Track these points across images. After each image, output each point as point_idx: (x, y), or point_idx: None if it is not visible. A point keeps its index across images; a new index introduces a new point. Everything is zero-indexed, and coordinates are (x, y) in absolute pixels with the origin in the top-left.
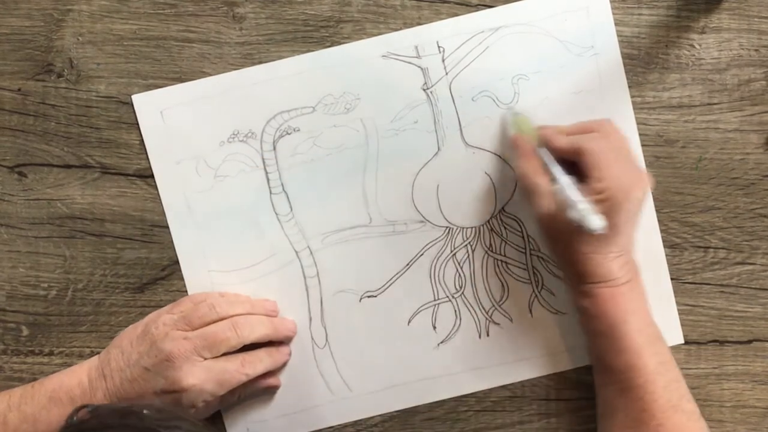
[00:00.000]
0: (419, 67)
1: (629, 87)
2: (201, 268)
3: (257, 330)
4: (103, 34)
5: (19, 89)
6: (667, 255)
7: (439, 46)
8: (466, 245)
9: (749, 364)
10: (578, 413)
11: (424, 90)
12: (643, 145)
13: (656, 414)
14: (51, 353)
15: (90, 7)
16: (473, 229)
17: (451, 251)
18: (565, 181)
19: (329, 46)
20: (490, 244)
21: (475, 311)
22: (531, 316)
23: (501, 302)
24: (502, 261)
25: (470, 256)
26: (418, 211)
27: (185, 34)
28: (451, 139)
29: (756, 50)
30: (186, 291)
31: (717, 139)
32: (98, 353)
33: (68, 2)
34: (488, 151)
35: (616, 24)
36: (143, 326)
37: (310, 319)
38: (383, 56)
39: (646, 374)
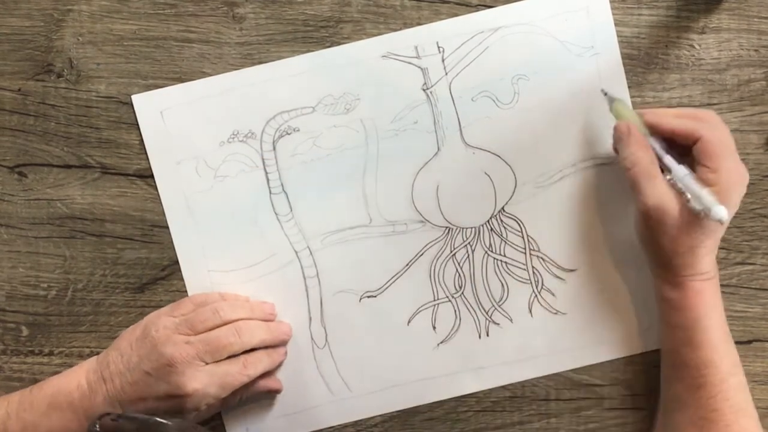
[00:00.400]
0: (419, 67)
1: (629, 87)
2: (201, 268)
3: (257, 335)
4: (103, 34)
5: (19, 89)
6: None
7: (438, 47)
8: (465, 245)
9: (749, 364)
10: (578, 413)
11: (423, 90)
12: None
13: (727, 414)
14: (51, 353)
15: (90, 7)
16: (473, 229)
17: (451, 251)
18: (683, 171)
19: (329, 46)
20: (490, 244)
21: (474, 311)
22: (531, 317)
23: (501, 302)
24: (501, 261)
25: (470, 256)
26: (418, 211)
27: (185, 34)
28: (450, 140)
29: (756, 50)
30: (186, 291)
31: None
32: (98, 354)
33: (68, 2)
34: (488, 151)
35: (616, 24)
36: (142, 328)
37: (310, 320)
38: (383, 56)
39: (722, 372)
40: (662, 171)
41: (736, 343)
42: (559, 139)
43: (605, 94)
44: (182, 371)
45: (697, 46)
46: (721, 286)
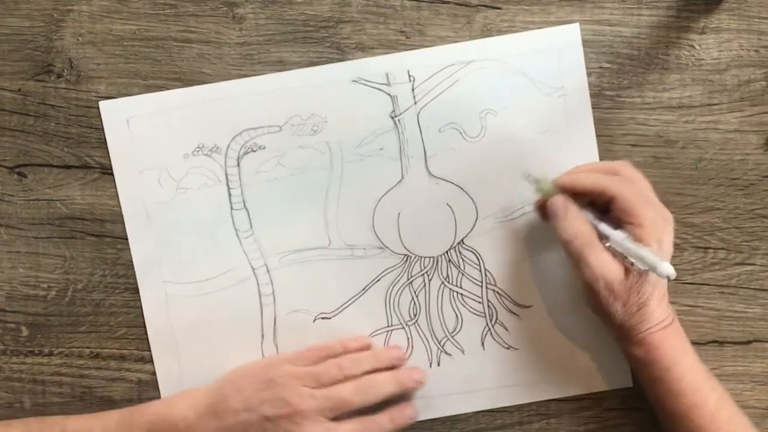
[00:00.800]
0: (389, 94)
1: (629, 88)
2: (156, 278)
3: (383, 390)
4: (103, 35)
5: (19, 89)
6: None
7: (409, 75)
8: (423, 274)
9: (749, 364)
10: (578, 414)
11: (392, 117)
12: (643, 146)
13: None
14: (50, 353)
15: (90, 7)
16: (431, 258)
17: (408, 279)
18: (620, 236)
19: (329, 47)
20: (447, 275)
21: (427, 340)
22: (483, 350)
23: (454, 333)
24: (457, 292)
25: (426, 286)
26: (378, 237)
27: (185, 35)
28: (415, 168)
29: (756, 50)
30: (139, 300)
31: (717, 139)
32: (98, 353)
33: (68, 2)
34: (451, 182)
35: (616, 24)
36: (264, 371)
37: (263, 337)
38: (353, 81)
39: (708, 412)
40: (600, 239)
41: (737, 343)
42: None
43: (528, 176)
44: (302, 424)
45: (697, 47)
46: (722, 286)
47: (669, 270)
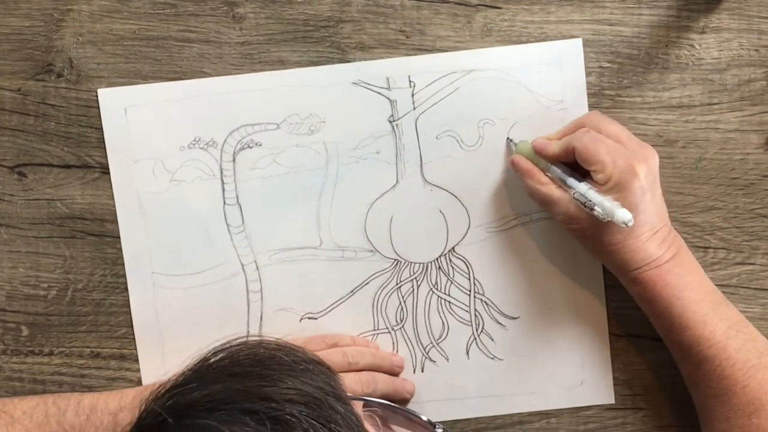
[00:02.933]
0: (388, 98)
1: (629, 87)
2: (144, 268)
3: (381, 388)
4: (103, 34)
5: (19, 89)
6: None
7: (410, 80)
8: (412, 280)
9: None
10: (578, 413)
11: (390, 122)
12: None
13: (738, 378)
14: (51, 353)
15: (90, 7)
16: (421, 265)
17: (397, 284)
18: (581, 187)
19: (329, 46)
20: (436, 282)
21: (412, 345)
22: (467, 359)
23: (439, 340)
24: (445, 300)
25: (415, 291)
26: (369, 241)
27: (185, 34)
28: (410, 174)
29: (756, 50)
30: (126, 290)
31: (717, 139)
32: (98, 353)
33: (68, 2)
34: (446, 190)
35: (616, 24)
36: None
37: (248, 333)
38: (354, 83)
39: (716, 342)
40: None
41: None
42: (518, 187)
43: (510, 141)
44: None
45: (698, 46)
46: (722, 285)
47: (625, 216)
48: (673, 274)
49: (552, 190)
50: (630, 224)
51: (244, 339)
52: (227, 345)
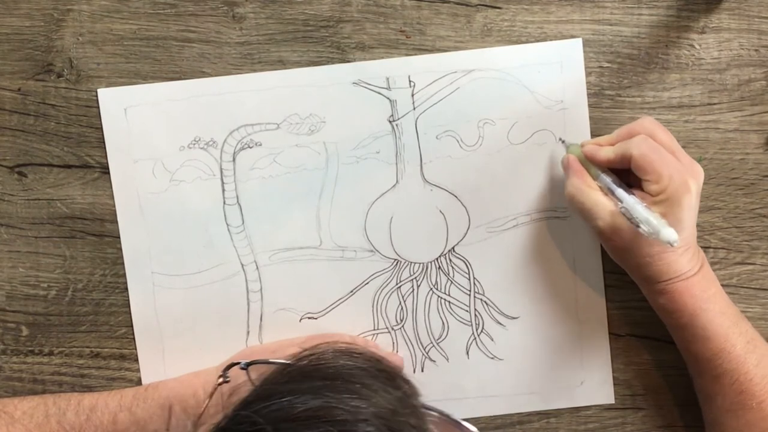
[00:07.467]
0: (388, 98)
1: (629, 87)
2: (144, 268)
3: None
4: (103, 34)
5: (19, 89)
6: None
7: (410, 80)
8: (412, 280)
9: None
10: (578, 413)
11: (390, 122)
12: None
13: (755, 393)
14: (51, 353)
15: (90, 7)
16: (421, 264)
17: (397, 284)
18: (630, 200)
19: (329, 46)
20: (436, 282)
21: (412, 345)
22: (467, 358)
23: (439, 340)
24: (445, 300)
25: (414, 291)
26: (369, 241)
27: (185, 34)
28: (410, 174)
29: (756, 50)
30: (126, 289)
31: (717, 139)
32: (98, 353)
33: (68, 2)
34: (446, 190)
35: (616, 24)
36: (273, 354)
37: (248, 333)
38: (354, 83)
39: (736, 356)
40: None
41: None
42: (518, 187)
43: (562, 142)
44: None
45: (697, 46)
46: (722, 285)
47: (671, 236)
48: (699, 286)
49: (599, 196)
50: (675, 245)
51: (332, 346)
52: (316, 350)
